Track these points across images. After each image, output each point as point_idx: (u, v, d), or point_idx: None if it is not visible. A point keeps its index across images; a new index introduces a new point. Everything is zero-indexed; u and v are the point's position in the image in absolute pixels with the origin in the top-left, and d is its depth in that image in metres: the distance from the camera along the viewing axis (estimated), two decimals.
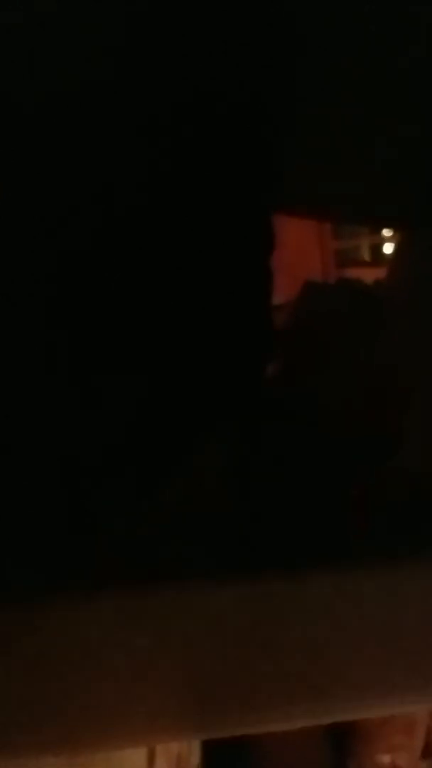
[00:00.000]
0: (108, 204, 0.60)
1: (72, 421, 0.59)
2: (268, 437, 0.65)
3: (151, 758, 0.97)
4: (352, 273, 1.23)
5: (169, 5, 0.59)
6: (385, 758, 1.36)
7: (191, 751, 1.11)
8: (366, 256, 1.32)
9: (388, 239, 1.28)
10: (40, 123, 0.58)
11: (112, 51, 0.59)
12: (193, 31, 0.61)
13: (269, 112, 0.65)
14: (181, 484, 0.61)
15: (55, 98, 0.58)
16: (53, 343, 0.59)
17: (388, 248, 1.29)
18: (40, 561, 0.54)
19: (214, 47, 0.62)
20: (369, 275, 1.26)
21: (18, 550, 0.55)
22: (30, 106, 0.58)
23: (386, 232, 1.28)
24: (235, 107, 0.63)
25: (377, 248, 1.30)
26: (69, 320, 0.59)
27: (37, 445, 0.58)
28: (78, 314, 0.59)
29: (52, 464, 0.58)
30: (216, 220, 0.63)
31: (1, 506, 0.56)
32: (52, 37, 0.58)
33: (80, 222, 0.59)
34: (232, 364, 0.64)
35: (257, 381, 0.66)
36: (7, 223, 0.58)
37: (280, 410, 0.68)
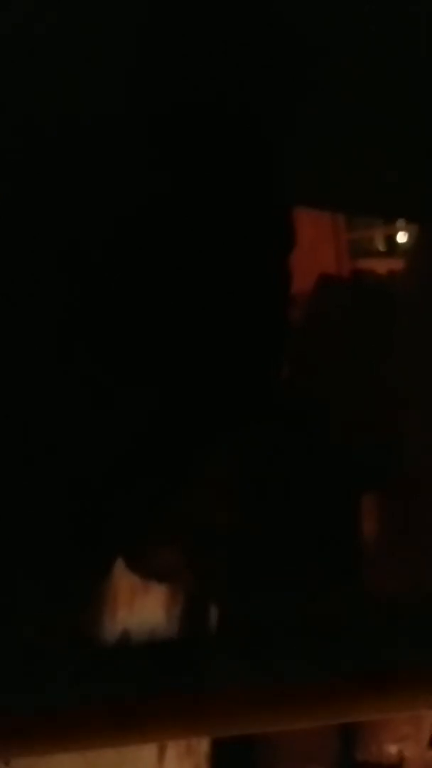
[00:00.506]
0: (125, 210, 0.59)
1: (82, 430, 0.59)
2: (277, 454, 0.65)
3: (162, 748, 0.98)
4: (366, 264, 1.22)
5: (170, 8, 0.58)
6: (392, 748, 1.36)
7: (200, 740, 1.12)
8: (380, 246, 1.31)
9: (402, 229, 1.27)
10: (47, 127, 0.58)
11: (120, 54, 0.59)
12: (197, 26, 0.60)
13: (277, 106, 0.65)
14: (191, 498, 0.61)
15: (67, 101, 0.57)
16: (65, 349, 0.59)
17: (401, 238, 1.28)
18: (46, 571, 0.55)
19: (220, 44, 0.61)
20: (383, 266, 1.25)
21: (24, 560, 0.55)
22: (35, 112, 0.58)
23: (400, 223, 1.27)
24: (242, 104, 0.62)
25: (391, 239, 1.29)
26: (85, 323, 0.59)
27: (45, 456, 0.58)
28: (92, 317, 0.59)
29: (61, 476, 0.59)
30: (231, 224, 0.62)
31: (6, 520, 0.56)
32: (54, 43, 0.57)
33: (95, 226, 0.59)
34: (248, 365, 0.63)
35: (271, 380, 0.66)
36: (25, 232, 0.58)
37: (291, 412, 0.67)
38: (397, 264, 1.12)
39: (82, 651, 0.59)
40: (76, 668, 0.54)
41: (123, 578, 0.74)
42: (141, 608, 0.78)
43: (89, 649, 0.63)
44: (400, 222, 1.23)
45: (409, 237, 1.22)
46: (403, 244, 1.27)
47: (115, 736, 0.54)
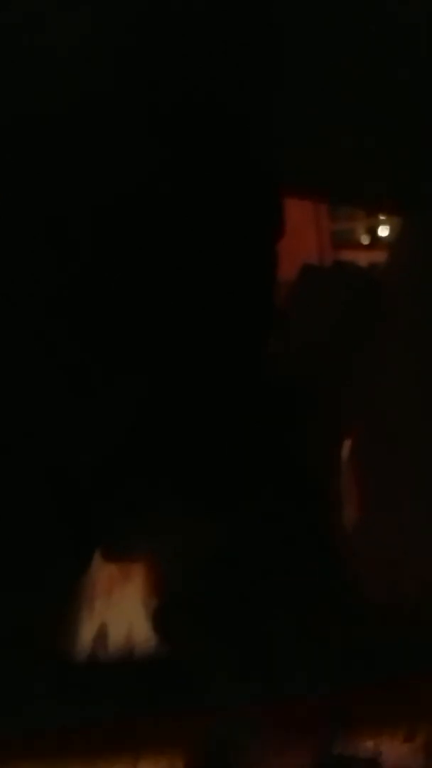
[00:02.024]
0: (113, 194, 0.59)
1: (66, 420, 0.58)
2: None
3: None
4: (348, 255, 1.22)
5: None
6: (368, 743, 1.36)
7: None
8: (362, 238, 1.31)
9: (384, 221, 1.27)
10: (44, 125, 0.57)
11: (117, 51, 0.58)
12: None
13: (267, 99, 0.64)
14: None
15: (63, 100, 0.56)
16: (49, 336, 0.58)
17: (383, 231, 1.28)
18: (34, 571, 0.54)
19: (210, 32, 0.60)
20: (365, 257, 1.25)
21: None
22: (31, 111, 0.57)
23: (382, 215, 1.27)
24: (231, 92, 0.62)
25: (373, 230, 1.28)
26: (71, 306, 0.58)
27: (27, 446, 0.57)
28: (82, 307, 0.58)
29: (42, 467, 0.58)
30: (220, 211, 0.62)
31: None
32: (51, 42, 0.56)
33: (83, 210, 0.58)
34: (234, 349, 0.63)
35: (258, 367, 0.65)
36: (13, 224, 0.57)
37: (275, 399, 0.67)
38: (378, 255, 1.12)
39: (59, 665, 0.58)
40: (53, 685, 0.53)
41: (101, 569, 0.74)
42: (120, 599, 0.77)
43: (66, 664, 0.61)
44: (382, 214, 1.23)
45: (391, 230, 1.22)
46: (384, 237, 1.26)
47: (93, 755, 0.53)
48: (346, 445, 0.64)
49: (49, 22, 0.56)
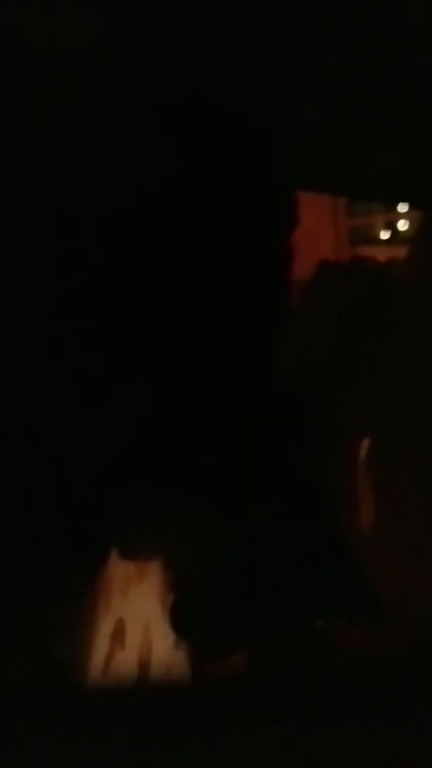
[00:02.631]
0: (120, 194, 0.59)
1: (75, 421, 0.58)
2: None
3: None
4: (366, 251, 1.21)
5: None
6: None
7: None
8: (380, 234, 1.30)
9: (403, 217, 1.26)
10: (45, 125, 0.57)
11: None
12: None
13: (279, 90, 0.64)
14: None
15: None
16: (55, 339, 0.58)
17: (402, 225, 1.27)
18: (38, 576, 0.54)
19: (220, 27, 0.60)
20: (383, 254, 1.24)
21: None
22: (32, 111, 0.57)
23: (400, 210, 1.26)
24: (242, 85, 0.61)
25: (392, 226, 1.28)
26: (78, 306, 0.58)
27: (37, 447, 0.58)
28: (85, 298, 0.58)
29: (53, 468, 0.58)
30: (229, 206, 0.61)
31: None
32: (51, 41, 0.56)
33: (89, 210, 0.58)
34: (246, 349, 0.63)
35: (269, 367, 0.65)
36: (15, 225, 0.57)
37: (287, 399, 0.66)
38: (397, 251, 1.11)
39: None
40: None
41: (117, 567, 0.74)
42: (136, 596, 0.78)
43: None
44: (401, 209, 1.22)
45: (410, 224, 1.22)
46: (403, 232, 1.25)
47: None
48: (360, 448, 0.64)
49: (61, 21, 0.57)
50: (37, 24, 0.56)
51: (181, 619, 0.69)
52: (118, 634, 0.77)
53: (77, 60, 0.57)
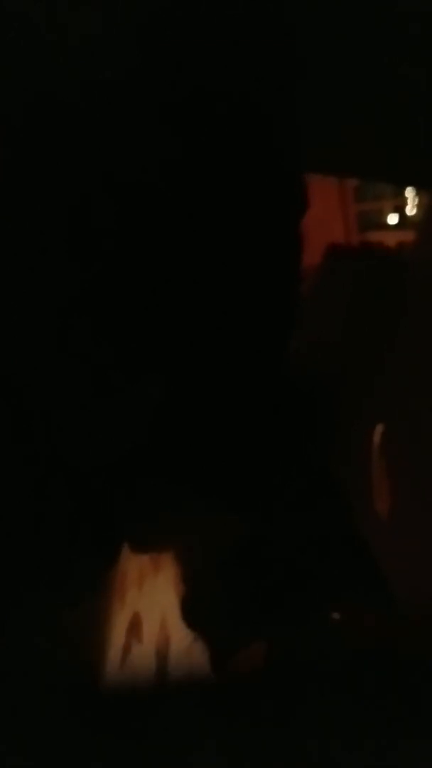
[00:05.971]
0: (132, 183, 0.58)
1: (87, 416, 0.57)
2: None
3: None
4: (375, 237, 1.21)
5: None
6: None
7: None
8: (389, 218, 1.29)
9: (412, 202, 1.25)
10: (49, 123, 0.56)
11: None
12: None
13: (286, 74, 0.63)
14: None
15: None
16: (66, 332, 0.57)
17: (411, 210, 1.26)
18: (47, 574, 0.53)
19: (227, 11, 0.59)
20: (392, 238, 1.24)
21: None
22: (35, 107, 0.56)
23: (409, 195, 1.25)
24: (251, 70, 0.61)
25: (400, 211, 1.27)
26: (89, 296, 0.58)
27: (48, 443, 0.57)
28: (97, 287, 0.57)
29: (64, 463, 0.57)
30: (238, 194, 0.60)
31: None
32: (53, 38, 0.56)
33: (100, 200, 0.57)
34: (257, 339, 0.62)
35: (281, 358, 0.64)
36: (28, 224, 0.56)
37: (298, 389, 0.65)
38: (406, 236, 1.10)
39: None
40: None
41: (131, 560, 0.73)
42: (151, 589, 0.77)
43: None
44: (410, 194, 1.21)
45: (419, 209, 1.20)
46: (412, 217, 1.25)
47: None
48: (376, 437, 0.63)
49: (64, 8, 0.56)
50: (39, 12, 0.55)
51: (193, 613, 0.69)
52: (135, 628, 0.76)
53: (86, 49, 0.56)
